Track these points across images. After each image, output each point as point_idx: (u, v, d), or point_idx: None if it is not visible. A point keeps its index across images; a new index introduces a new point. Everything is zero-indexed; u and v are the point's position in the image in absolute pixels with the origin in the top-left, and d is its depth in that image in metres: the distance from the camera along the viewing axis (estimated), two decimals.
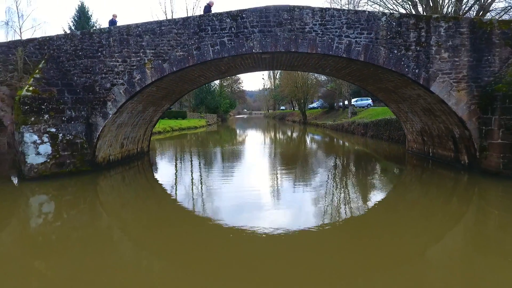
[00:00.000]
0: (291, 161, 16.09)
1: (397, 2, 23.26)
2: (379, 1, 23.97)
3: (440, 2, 19.58)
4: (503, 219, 7.24)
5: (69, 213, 8.20)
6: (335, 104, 46.50)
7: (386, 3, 23.89)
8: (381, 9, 23.64)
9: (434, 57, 10.47)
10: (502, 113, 9.69)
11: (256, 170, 13.55)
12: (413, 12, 21.25)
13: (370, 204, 8.65)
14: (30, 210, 8.88)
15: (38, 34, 64.93)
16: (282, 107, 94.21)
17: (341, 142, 25.32)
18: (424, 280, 4.58)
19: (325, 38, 10.61)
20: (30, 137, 10.34)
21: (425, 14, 20.19)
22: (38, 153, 10.48)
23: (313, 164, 15.05)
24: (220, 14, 10.83)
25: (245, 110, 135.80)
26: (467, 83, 10.48)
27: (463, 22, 10.44)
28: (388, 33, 10.52)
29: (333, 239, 6.22)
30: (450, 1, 19.30)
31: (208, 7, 12.72)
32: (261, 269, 4.92)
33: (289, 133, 38.07)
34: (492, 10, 20.11)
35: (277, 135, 36.14)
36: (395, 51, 10.54)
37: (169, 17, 54.11)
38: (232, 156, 18.59)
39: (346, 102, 40.89)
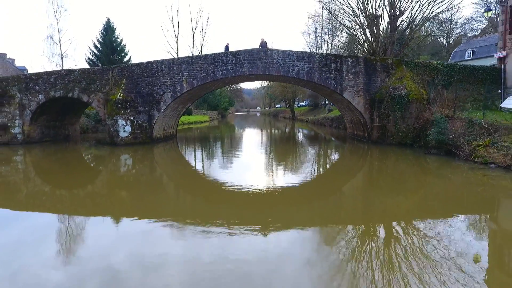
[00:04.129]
0: (273, 140, 24.44)
1: (357, 25, 31.51)
2: (345, 28, 32.12)
3: (381, 30, 27.80)
4: (379, 166, 14.22)
5: (139, 165, 15.12)
6: (319, 103, 54.87)
7: (350, 28, 32.16)
8: (346, 30, 31.81)
9: (345, 78, 18.80)
10: (377, 109, 18.07)
11: (249, 146, 21.91)
12: (363, 33, 29.40)
13: (316, 163, 16.22)
14: (120, 162, 16.70)
15: (72, 46, 74.54)
16: (278, 105, 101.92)
17: (313, 131, 33.78)
18: (341, 203, 8.77)
19: (285, 66, 18.90)
20: (121, 122, 18.65)
21: (370, 35, 28.37)
22: (124, 131, 18.79)
23: (288, 143, 23.42)
24: (226, 53, 19.12)
25: (243, 108, 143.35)
26: (363, 93, 18.84)
27: (360, 59, 18.80)
28: (320, 64, 18.83)
29: (291, 186, 10.59)
30: (386, 33, 27.50)
31: (227, 47, 20.93)
32: (252, 201, 8.67)
33: (277, 126, 46.44)
34: (416, 37, 28.34)
35: (267, 127, 44.50)
36: (324, 74, 18.87)
37: (175, 25, 61.67)
38: (233, 139, 26.96)
39: (327, 101, 49.15)
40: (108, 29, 44.43)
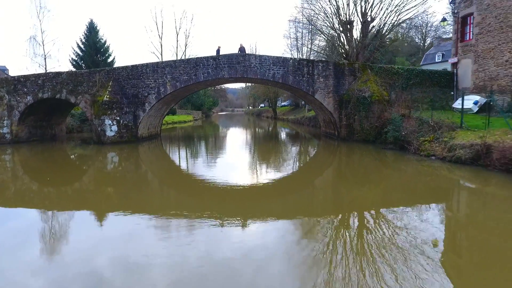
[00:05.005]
0: (253, 139, 26.05)
1: (333, 30, 33.44)
2: (322, 33, 34.04)
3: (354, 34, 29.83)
4: (346, 161, 16.17)
5: (125, 163, 15.90)
6: (300, 103, 56.89)
7: (327, 34, 34.09)
8: (323, 36, 33.71)
9: (316, 81, 20.59)
10: (345, 109, 19.95)
11: (230, 145, 23.42)
12: (338, 38, 31.39)
13: (291, 158, 17.89)
14: (107, 160, 17.80)
15: (56, 47, 73.72)
16: (262, 105, 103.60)
17: (291, 129, 35.63)
18: (313, 196, 9.73)
19: (262, 70, 20.50)
20: (107, 122, 19.80)
21: (344, 40, 30.38)
22: (111, 130, 19.97)
23: (267, 141, 25.06)
24: (207, 57, 20.56)
25: (228, 108, 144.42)
26: (332, 94, 20.68)
27: (330, 63, 20.63)
28: (293, 68, 20.54)
29: (268, 181, 11.41)
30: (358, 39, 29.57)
31: (218, 50, 22.36)
32: (233, 196, 9.60)
33: (259, 125, 48.14)
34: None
35: (249, 127, 46.11)
36: (297, 77, 20.59)
37: (159, 26, 62.59)
38: (217, 138, 28.39)
39: None
40: (92, 30, 44.89)
